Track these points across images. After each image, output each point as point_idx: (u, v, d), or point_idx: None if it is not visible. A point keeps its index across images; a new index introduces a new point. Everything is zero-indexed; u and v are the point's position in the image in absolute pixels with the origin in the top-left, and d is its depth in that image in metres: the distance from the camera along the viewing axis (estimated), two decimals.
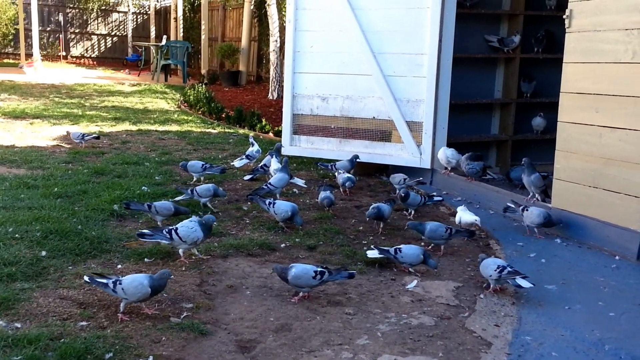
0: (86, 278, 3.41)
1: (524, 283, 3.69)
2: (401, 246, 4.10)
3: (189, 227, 4.02)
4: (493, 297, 3.76)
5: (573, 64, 4.81)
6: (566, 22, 4.82)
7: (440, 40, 6.18)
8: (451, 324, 3.40)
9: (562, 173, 4.91)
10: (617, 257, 4.42)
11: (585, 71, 4.72)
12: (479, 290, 3.85)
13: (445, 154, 6.10)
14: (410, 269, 4.08)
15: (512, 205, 4.98)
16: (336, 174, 6.13)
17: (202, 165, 6.05)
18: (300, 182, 5.89)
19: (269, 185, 5.41)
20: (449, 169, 6.20)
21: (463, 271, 4.17)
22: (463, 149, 6.36)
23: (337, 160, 6.32)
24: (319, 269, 3.58)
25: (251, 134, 8.27)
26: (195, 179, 6.05)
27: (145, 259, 4.09)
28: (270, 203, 4.83)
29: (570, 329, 3.38)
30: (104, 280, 3.34)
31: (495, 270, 3.77)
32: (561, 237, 4.82)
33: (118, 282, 3.29)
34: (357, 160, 6.20)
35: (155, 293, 3.35)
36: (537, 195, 5.27)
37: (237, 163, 6.66)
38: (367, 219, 4.87)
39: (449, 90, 6.34)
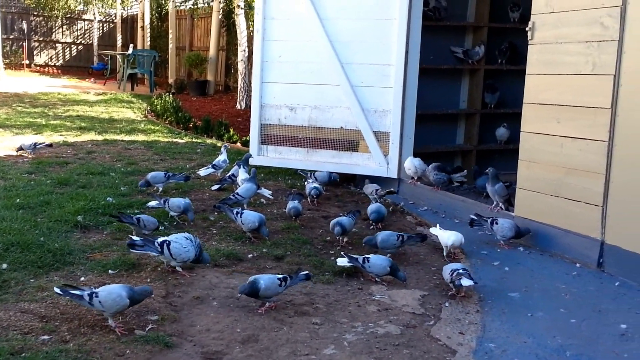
0: (57, 290, 3.32)
1: (466, 281, 3.79)
2: (370, 256, 4.12)
3: (182, 245, 3.92)
4: (458, 305, 3.81)
5: (535, 75, 4.93)
6: (529, 34, 4.94)
7: (406, 51, 6.27)
8: (417, 333, 3.42)
9: (525, 182, 5.02)
10: (578, 265, 4.52)
11: (547, 82, 4.84)
12: (444, 299, 3.89)
13: (412, 163, 6.18)
14: (377, 279, 4.10)
15: (477, 218, 5.03)
16: (305, 183, 6.13)
17: (165, 174, 6.00)
18: (267, 192, 5.88)
19: (236, 196, 5.39)
20: (416, 178, 6.27)
21: (429, 280, 4.22)
22: (429, 158, 6.45)
23: (315, 171, 6.32)
24: (281, 276, 3.61)
25: (225, 143, 8.21)
26: (160, 189, 5.98)
27: (110, 271, 4.02)
28: (237, 213, 4.81)
29: (533, 335, 3.44)
30: (78, 292, 3.26)
31: (449, 274, 3.89)
32: (524, 246, 4.91)
33: (94, 295, 3.21)
34: (334, 179, 6.24)
35: (133, 304, 3.30)
36: (500, 204, 5.37)
37: (202, 172, 6.62)
38: (337, 237, 4.78)
39: (416, 101, 6.43)
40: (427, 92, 6.85)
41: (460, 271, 3.87)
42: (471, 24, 7.50)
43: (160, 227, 4.79)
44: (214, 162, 6.73)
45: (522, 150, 5.05)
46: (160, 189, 5.98)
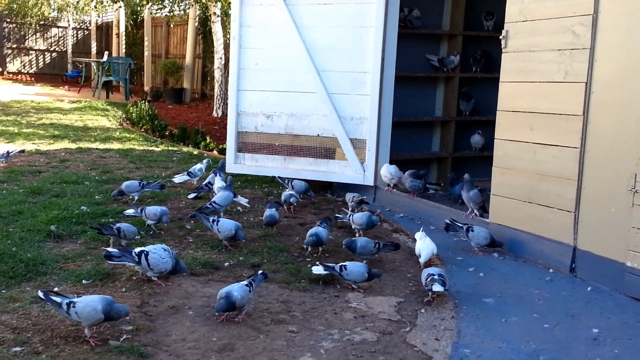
0: (40, 294, 3.27)
1: (436, 287, 3.85)
2: (346, 263, 4.12)
3: (160, 256, 3.88)
4: (434, 311, 3.83)
5: (509, 83, 5.00)
6: (502, 42, 5.01)
7: (383, 59, 6.31)
8: (393, 339, 3.43)
9: (499, 189, 5.08)
10: (551, 270, 4.58)
11: (521, 90, 4.91)
12: (420, 305, 3.91)
13: (389, 170, 6.21)
14: (353, 286, 4.10)
15: (451, 223, 5.07)
16: (283, 193, 6.07)
17: (140, 182, 5.94)
18: (243, 201, 5.86)
19: (213, 204, 5.35)
20: (392, 185, 6.30)
21: (405, 286, 4.23)
22: (405, 165, 6.49)
23: (293, 179, 6.32)
24: (247, 282, 3.62)
25: (206, 156, 8.15)
26: (136, 198, 5.92)
27: (84, 281, 3.96)
28: (214, 221, 4.78)
29: (507, 340, 3.47)
30: (58, 299, 3.22)
31: (425, 278, 3.97)
32: (498, 252, 4.96)
33: (72, 305, 3.17)
34: (310, 195, 6.23)
35: (108, 320, 3.25)
36: (475, 210, 5.42)
37: (177, 179, 6.57)
38: (305, 246, 4.74)
39: (392, 108, 6.48)
40: (403, 99, 6.90)
41: (435, 277, 3.92)
42: (446, 32, 7.59)
43: (136, 237, 4.74)
44: (189, 170, 6.69)
45: (496, 157, 5.11)
46: (136, 197, 5.92)
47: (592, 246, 4.36)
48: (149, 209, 5.06)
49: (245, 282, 3.63)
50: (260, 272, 3.83)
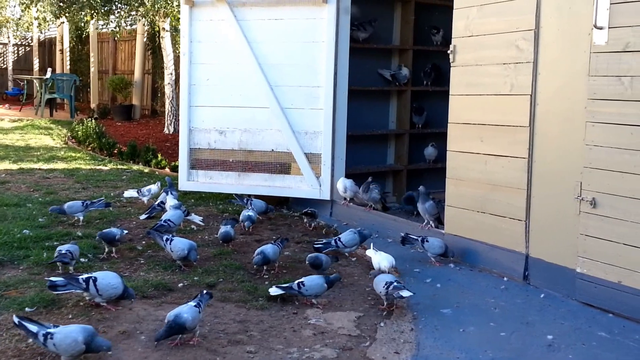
0: (15, 319, 3.11)
1: (405, 293, 3.88)
2: (303, 279, 4.07)
3: (110, 282, 3.74)
4: (393, 324, 3.82)
5: (458, 96, 5.10)
6: (451, 57, 5.10)
7: (335, 73, 6.34)
8: (353, 355, 3.40)
9: (453, 200, 5.14)
10: (505, 279, 4.65)
11: (470, 103, 5.00)
12: (379, 319, 3.89)
13: (344, 184, 6.21)
14: (313, 301, 4.06)
15: (405, 237, 5.10)
16: (242, 213, 5.93)
17: (83, 202, 5.73)
18: (197, 218, 5.74)
19: (168, 222, 5.22)
20: (348, 199, 6.31)
21: (364, 300, 4.21)
22: (361, 179, 6.50)
23: (250, 196, 6.23)
24: (195, 303, 3.50)
25: (157, 172, 7.95)
26: (81, 219, 5.72)
27: (27, 309, 3.78)
28: (167, 240, 4.66)
29: (466, 350, 3.49)
30: (35, 329, 3.09)
31: (384, 287, 3.95)
32: (454, 262, 5.00)
33: (49, 336, 3.03)
34: (271, 212, 6.18)
35: (90, 351, 3.11)
36: (431, 222, 5.47)
37: (126, 194, 6.44)
38: (255, 266, 4.61)
39: (346, 122, 6.50)
40: (357, 113, 6.94)
41: (396, 284, 3.93)
42: (397, 47, 7.70)
43: (82, 260, 4.58)
44: (140, 189, 6.54)
45: (449, 168, 5.18)
46: (81, 218, 5.72)
47: (544, 254, 4.45)
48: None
49: (193, 303, 3.51)
50: (206, 292, 3.69)
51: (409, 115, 7.68)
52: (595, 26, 4.02)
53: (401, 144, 7.72)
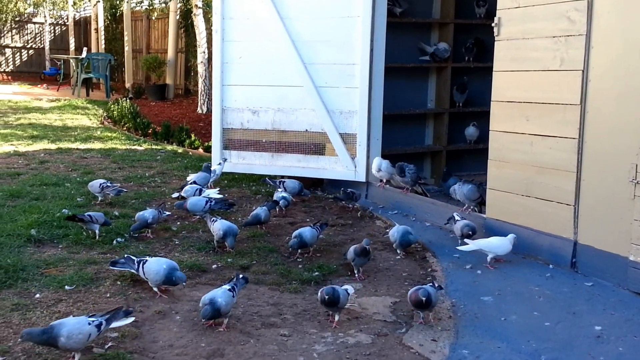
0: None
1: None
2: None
3: (154, 268, 3.78)
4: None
5: (503, 72, 4.85)
6: (495, 30, 4.85)
7: (371, 50, 6.13)
8: (388, 341, 3.31)
9: (495, 183, 4.92)
10: (551, 266, 4.44)
11: (515, 79, 4.76)
12: None
13: (379, 164, 6.02)
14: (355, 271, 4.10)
15: (454, 217, 4.92)
16: (275, 194, 5.82)
17: (100, 184, 5.69)
18: (213, 192, 5.83)
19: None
20: (384, 181, 6.13)
21: (400, 286, 4.08)
22: (398, 160, 6.29)
23: (283, 178, 6.10)
24: (229, 287, 3.44)
25: (190, 153, 7.91)
26: (99, 198, 5.71)
27: (67, 287, 3.80)
28: (213, 220, 4.65)
29: (507, 340, 3.34)
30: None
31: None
32: None
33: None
34: (305, 195, 6.03)
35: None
36: (471, 206, 5.27)
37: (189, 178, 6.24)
38: (290, 249, 4.49)
39: (382, 101, 6.30)
40: (394, 92, 6.71)
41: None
42: (437, 21, 7.41)
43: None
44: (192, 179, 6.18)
45: (492, 149, 4.95)
46: (99, 198, 5.72)
47: (593, 240, 4.22)
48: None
49: (227, 287, 3.45)
50: (242, 277, 3.65)
51: (449, 93, 7.40)
52: None
53: (440, 124, 7.46)
